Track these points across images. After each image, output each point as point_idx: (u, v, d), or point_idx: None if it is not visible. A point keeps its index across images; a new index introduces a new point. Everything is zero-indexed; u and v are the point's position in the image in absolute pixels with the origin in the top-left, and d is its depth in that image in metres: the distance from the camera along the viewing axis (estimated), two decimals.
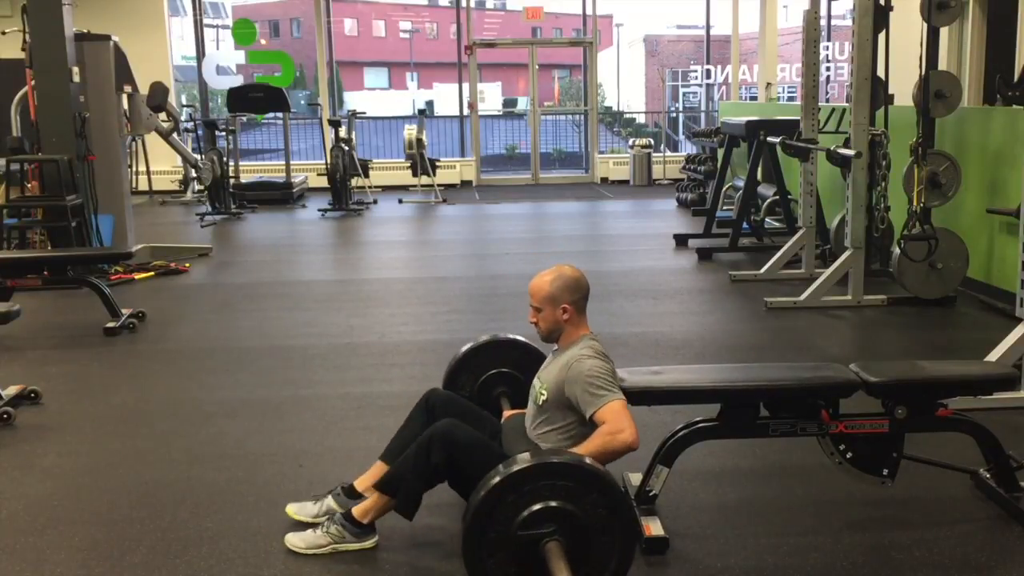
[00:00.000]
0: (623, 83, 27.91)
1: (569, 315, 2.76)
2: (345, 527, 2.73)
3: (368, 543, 2.74)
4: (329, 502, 2.89)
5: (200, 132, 11.59)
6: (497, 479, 2.30)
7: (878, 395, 2.85)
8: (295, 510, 2.93)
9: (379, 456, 2.89)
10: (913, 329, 5.37)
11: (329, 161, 10.85)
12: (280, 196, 11.65)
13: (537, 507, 2.29)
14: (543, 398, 2.72)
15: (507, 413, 3.05)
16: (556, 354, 2.82)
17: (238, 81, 14.38)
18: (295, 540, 2.75)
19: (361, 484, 2.87)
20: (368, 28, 35.43)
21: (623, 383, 2.76)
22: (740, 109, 11.57)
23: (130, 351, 5.09)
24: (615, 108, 25.15)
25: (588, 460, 2.39)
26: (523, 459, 2.36)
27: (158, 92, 8.84)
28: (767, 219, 8.29)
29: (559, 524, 2.29)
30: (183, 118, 11.33)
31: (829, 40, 14.00)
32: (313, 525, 2.81)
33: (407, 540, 2.81)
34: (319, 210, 10.75)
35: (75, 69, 6.85)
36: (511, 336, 3.30)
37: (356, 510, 2.75)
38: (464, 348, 3.25)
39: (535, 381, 2.83)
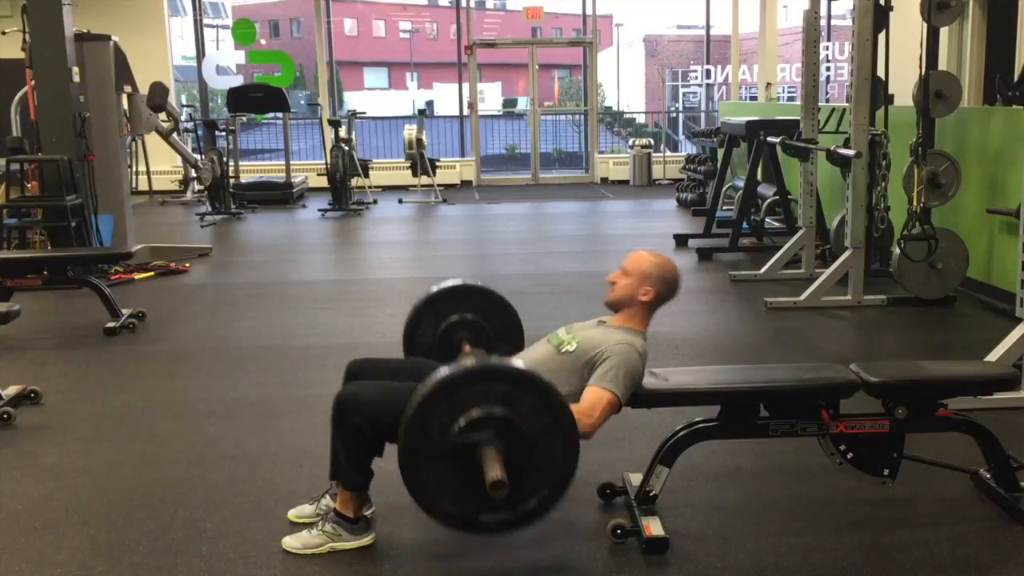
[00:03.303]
0: (623, 83, 27.94)
1: (647, 298, 2.78)
2: (339, 524, 2.72)
3: (365, 541, 2.74)
4: (326, 501, 2.89)
5: (200, 132, 11.59)
6: (428, 388, 2.24)
7: (878, 395, 2.85)
8: (295, 514, 2.93)
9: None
10: (913, 329, 5.37)
11: (329, 161, 10.84)
12: (280, 196, 11.64)
13: (472, 414, 2.23)
14: (569, 348, 2.71)
15: (468, 348, 3.04)
16: (604, 323, 2.82)
17: (238, 81, 14.37)
18: (291, 542, 2.75)
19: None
20: (368, 28, 35.44)
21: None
22: (740, 109, 11.57)
23: (130, 351, 5.09)
24: (615, 108, 25.17)
25: (518, 365, 2.35)
26: (454, 367, 2.31)
27: (158, 92, 8.84)
28: (767, 219, 8.28)
29: (496, 430, 2.24)
30: (183, 118, 11.32)
31: (829, 40, 14.00)
32: (310, 525, 2.80)
33: (407, 539, 2.81)
34: (319, 210, 10.75)
35: (75, 69, 6.84)
36: (479, 284, 3.27)
37: (338, 504, 2.75)
38: (430, 290, 3.19)
39: (561, 330, 2.82)
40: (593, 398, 2.59)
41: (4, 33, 8.21)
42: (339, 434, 2.65)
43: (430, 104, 21.58)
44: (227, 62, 14.33)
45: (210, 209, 10.34)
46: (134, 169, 10.10)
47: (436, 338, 3.12)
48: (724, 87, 16.02)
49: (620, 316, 2.84)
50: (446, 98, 20.42)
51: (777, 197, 7.93)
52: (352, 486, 2.71)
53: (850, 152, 5.48)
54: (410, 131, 11.65)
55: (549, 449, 2.28)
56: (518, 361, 2.56)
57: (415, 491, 2.31)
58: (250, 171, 12.72)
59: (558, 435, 2.29)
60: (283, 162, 12.30)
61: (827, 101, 12.43)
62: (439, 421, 2.24)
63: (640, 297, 2.79)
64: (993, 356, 3.83)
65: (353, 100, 23.38)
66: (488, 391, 2.25)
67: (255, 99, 11.69)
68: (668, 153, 14.04)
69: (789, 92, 15.98)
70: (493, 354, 3.00)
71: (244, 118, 12.29)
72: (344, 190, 10.75)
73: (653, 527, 2.73)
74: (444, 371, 2.31)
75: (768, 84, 13.08)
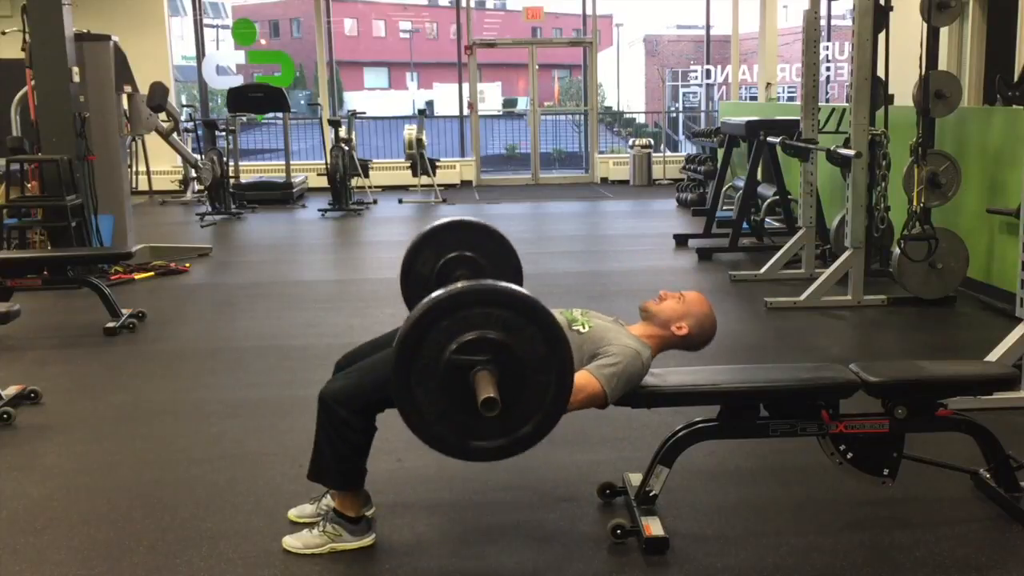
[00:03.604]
0: (623, 83, 27.93)
1: (680, 333, 2.82)
2: (340, 524, 2.72)
3: (366, 541, 2.74)
4: (327, 501, 2.89)
5: (200, 132, 11.59)
6: (430, 303, 2.21)
7: (878, 395, 2.85)
8: (295, 514, 2.93)
9: None
10: (913, 329, 5.37)
11: (329, 161, 10.85)
12: (280, 196, 11.64)
13: (471, 335, 2.20)
14: (580, 329, 2.72)
15: None
16: (621, 324, 2.84)
17: (238, 81, 14.38)
18: (292, 541, 2.74)
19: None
20: (368, 28, 35.44)
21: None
22: (740, 109, 11.57)
23: (130, 351, 5.09)
24: (615, 108, 25.17)
25: (526, 293, 2.33)
26: (459, 285, 2.28)
27: (158, 92, 8.83)
28: (767, 219, 8.28)
29: (493, 354, 2.21)
30: (183, 118, 11.32)
31: (829, 40, 14.00)
32: (311, 525, 2.80)
33: (407, 539, 2.81)
34: (319, 210, 10.75)
35: (75, 69, 6.84)
36: (480, 220, 3.24)
37: (336, 504, 2.75)
38: (430, 225, 3.17)
39: (576, 310, 2.83)
40: (582, 381, 2.55)
41: (4, 33, 8.21)
42: (326, 434, 2.63)
43: (430, 104, 21.56)
44: (227, 62, 14.34)
45: (210, 209, 10.34)
46: (134, 169, 10.11)
47: (434, 272, 3.08)
48: (724, 87, 16.02)
49: (642, 327, 2.84)
50: (446, 98, 20.42)
51: (777, 197, 7.93)
52: (337, 485, 2.69)
53: (850, 152, 5.48)
54: (410, 131, 11.65)
55: (543, 381, 2.25)
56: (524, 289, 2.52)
57: (407, 410, 2.26)
58: (250, 171, 12.72)
59: (554, 368, 2.26)
60: (283, 162, 12.30)
61: (827, 101, 12.43)
62: (437, 337, 2.19)
63: (674, 327, 2.81)
64: (993, 356, 3.83)
65: (353, 100, 23.39)
66: (491, 314, 2.21)
67: (255, 99, 11.69)
68: (668, 153, 14.04)
69: (789, 92, 15.99)
70: None
71: (244, 118, 12.29)
72: (344, 190, 10.75)
73: (653, 527, 2.73)
74: (453, 286, 2.27)
75: (768, 84, 13.08)
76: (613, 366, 2.62)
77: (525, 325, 2.23)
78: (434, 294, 2.26)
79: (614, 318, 2.89)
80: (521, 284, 3.08)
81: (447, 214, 10.74)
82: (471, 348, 2.21)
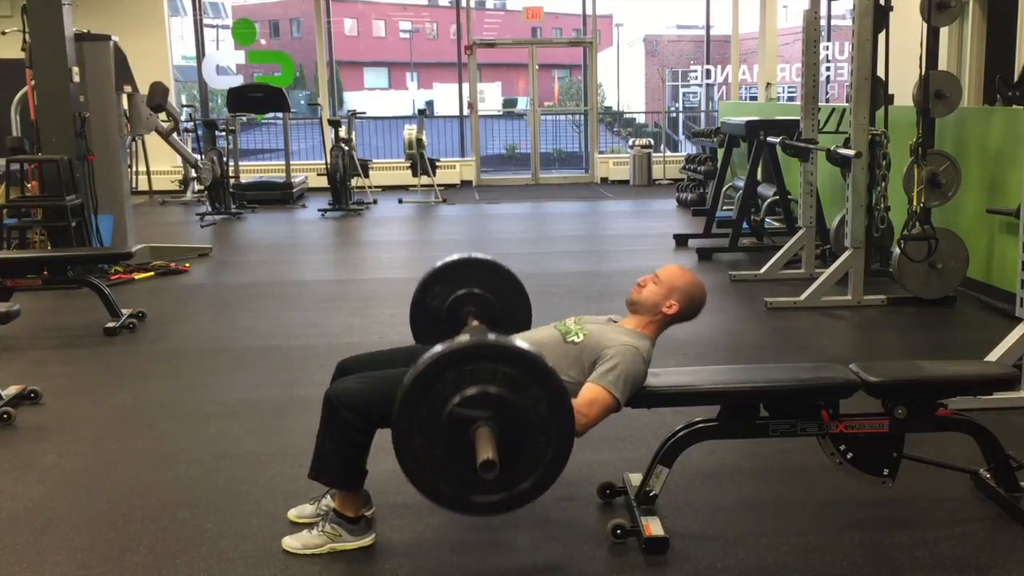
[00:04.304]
0: (623, 83, 27.93)
1: (671, 311, 2.80)
2: (339, 524, 2.72)
3: (366, 541, 2.74)
4: (327, 501, 2.89)
5: (200, 132, 11.59)
6: (439, 352, 2.22)
7: (878, 395, 2.85)
8: (295, 514, 2.93)
9: None
10: (913, 329, 5.37)
11: (329, 161, 10.85)
12: (280, 196, 11.64)
13: (475, 389, 2.21)
14: (575, 339, 2.72)
15: (476, 322, 3.04)
16: (615, 322, 2.83)
17: (238, 81, 14.38)
18: (291, 542, 2.74)
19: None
20: (368, 28, 35.44)
21: None
22: (740, 109, 11.57)
23: (130, 351, 5.09)
24: (615, 108, 25.17)
25: (537, 354, 2.34)
26: (468, 338, 2.29)
27: (158, 92, 8.84)
28: (767, 219, 8.28)
29: (495, 411, 2.21)
30: (183, 118, 11.33)
31: (829, 40, 14.00)
32: (311, 525, 2.80)
33: (406, 539, 2.81)
34: (319, 210, 10.75)
35: (75, 69, 6.84)
36: (491, 258, 3.25)
37: (337, 504, 2.75)
38: (440, 263, 3.18)
39: (570, 320, 2.82)
40: (592, 395, 2.58)
41: (4, 33, 8.21)
42: (329, 433, 2.63)
43: (430, 104, 21.58)
44: (227, 62, 14.34)
45: (210, 209, 10.34)
46: (134, 169, 10.11)
47: (444, 310, 3.10)
48: (724, 87, 16.02)
49: (634, 319, 2.84)
50: (446, 98, 20.43)
51: (777, 197, 7.93)
52: (338, 484, 2.70)
53: (850, 152, 5.48)
54: (410, 131, 11.65)
55: (544, 440, 2.26)
56: (531, 346, 2.51)
57: (404, 457, 2.26)
58: (250, 171, 12.72)
59: (555, 429, 2.27)
60: (283, 162, 12.30)
61: (827, 101, 12.43)
62: (442, 388, 2.20)
63: (663, 308, 2.81)
64: (993, 356, 3.83)
65: (353, 100, 23.40)
66: (497, 371, 2.22)
67: (255, 99, 11.69)
68: (668, 153, 14.04)
69: (789, 92, 15.99)
70: (498, 331, 2.98)
71: (244, 118, 12.30)
72: (344, 190, 10.75)
73: (653, 527, 2.73)
74: (459, 339, 2.28)
75: (768, 84, 13.08)
76: (614, 370, 2.62)
77: (530, 385, 2.24)
78: (443, 345, 2.26)
79: (607, 318, 2.89)
80: (530, 324, 3.11)
81: (447, 214, 10.75)
82: (474, 403, 2.22)
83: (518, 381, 2.23)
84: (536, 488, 2.34)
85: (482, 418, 2.21)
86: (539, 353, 2.34)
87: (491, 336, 2.39)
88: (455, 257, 3.20)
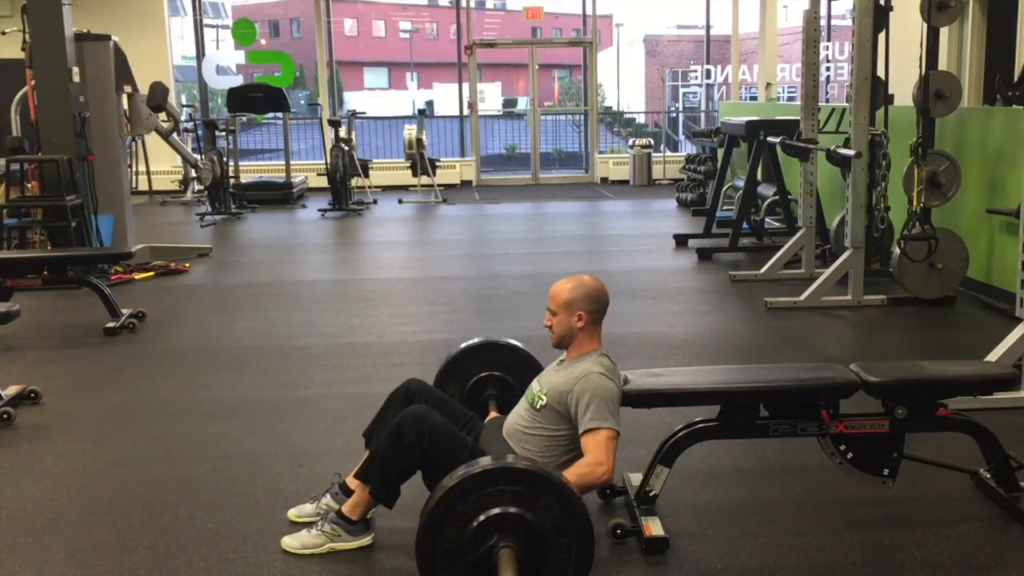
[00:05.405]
0: (623, 83, 27.94)
1: (583, 323, 2.75)
2: (339, 525, 2.72)
3: (364, 541, 2.74)
4: (327, 500, 2.89)
5: (200, 132, 11.59)
6: (443, 491, 2.27)
7: (878, 395, 2.85)
8: (295, 513, 2.93)
9: (365, 444, 2.88)
10: (913, 329, 5.37)
11: (329, 161, 10.85)
12: (280, 196, 11.64)
13: (485, 516, 2.26)
14: (541, 403, 2.71)
15: (492, 415, 3.05)
16: (563, 362, 2.81)
17: (238, 81, 14.38)
18: (290, 541, 2.75)
19: (352, 481, 2.86)
20: (368, 28, 35.45)
21: (626, 384, 2.76)
22: (740, 109, 11.57)
23: (130, 351, 5.09)
24: (615, 108, 25.17)
25: (534, 464, 2.41)
26: (465, 469, 2.33)
27: (158, 92, 8.84)
28: (767, 219, 8.28)
29: (511, 530, 2.26)
30: (183, 118, 11.33)
31: (829, 40, 14.00)
32: (310, 525, 2.80)
33: (405, 539, 2.80)
34: (319, 210, 10.75)
35: (75, 69, 6.84)
36: (506, 340, 3.29)
37: (345, 506, 2.75)
38: (458, 348, 3.24)
39: (534, 383, 2.82)
40: (593, 443, 2.58)
41: (4, 33, 8.21)
42: (389, 445, 2.62)
43: (430, 104, 21.58)
44: (227, 62, 14.34)
45: (210, 209, 10.34)
46: (134, 169, 10.12)
47: (463, 393, 3.16)
48: (724, 87, 16.01)
49: (572, 350, 2.81)
50: (446, 98, 20.42)
51: (777, 197, 7.93)
52: (380, 494, 2.67)
53: (850, 152, 5.48)
54: (410, 131, 11.65)
55: (564, 544, 2.30)
56: (514, 440, 2.62)
57: None
58: (250, 171, 12.72)
59: (573, 531, 2.30)
60: (283, 162, 12.30)
61: (827, 101, 12.43)
62: (455, 521, 2.27)
63: (577, 326, 2.76)
64: (993, 356, 3.83)
65: (353, 100, 23.40)
66: (504, 492, 2.28)
67: (255, 99, 11.70)
68: (668, 153, 14.04)
69: (789, 92, 15.99)
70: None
71: (244, 118, 12.30)
72: (344, 190, 10.76)
73: (653, 527, 2.73)
74: (458, 472, 2.32)
75: (768, 84, 13.08)
76: (591, 405, 2.61)
77: (538, 495, 2.28)
78: (443, 484, 2.30)
79: (556, 363, 2.86)
80: None
81: (447, 214, 10.75)
82: (489, 527, 2.26)
83: (525, 495, 2.28)
84: None
85: (500, 538, 2.26)
86: (536, 464, 2.41)
87: (486, 460, 2.42)
88: (473, 342, 3.25)
